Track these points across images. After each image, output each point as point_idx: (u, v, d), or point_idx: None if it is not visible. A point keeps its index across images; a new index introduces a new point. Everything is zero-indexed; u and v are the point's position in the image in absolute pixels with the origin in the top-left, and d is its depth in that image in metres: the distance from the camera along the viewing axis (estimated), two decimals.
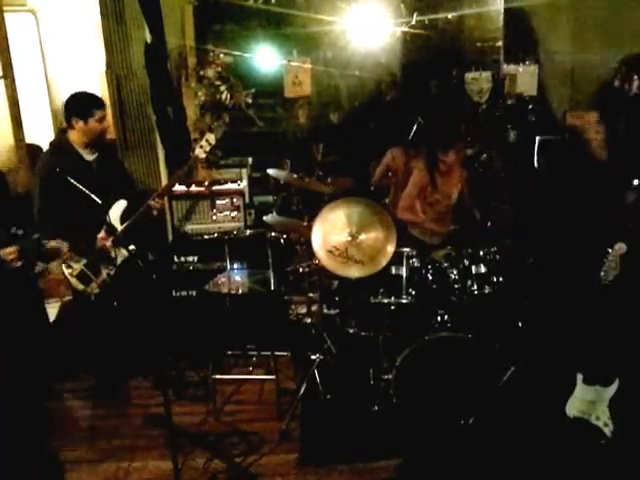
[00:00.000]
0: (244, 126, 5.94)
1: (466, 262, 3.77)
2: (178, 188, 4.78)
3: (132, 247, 3.77)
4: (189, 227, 4.78)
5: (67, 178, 3.45)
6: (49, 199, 3.60)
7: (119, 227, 3.78)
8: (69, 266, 3.73)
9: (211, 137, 3.97)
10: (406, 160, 4.30)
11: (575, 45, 5.48)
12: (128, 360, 4.11)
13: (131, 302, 3.79)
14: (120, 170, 4.18)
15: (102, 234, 3.75)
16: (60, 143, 3.80)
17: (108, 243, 3.74)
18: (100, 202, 3.28)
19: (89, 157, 3.82)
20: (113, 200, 3.81)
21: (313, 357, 3.94)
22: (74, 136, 3.76)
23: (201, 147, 3.96)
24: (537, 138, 5.15)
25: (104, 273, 3.75)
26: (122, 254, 3.79)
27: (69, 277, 3.74)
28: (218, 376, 4.02)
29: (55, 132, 6.79)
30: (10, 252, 3.20)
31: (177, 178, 4.08)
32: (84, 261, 3.73)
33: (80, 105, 3.75)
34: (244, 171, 5.42)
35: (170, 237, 4.89)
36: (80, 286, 3.75)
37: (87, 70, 6.18)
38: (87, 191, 3.23)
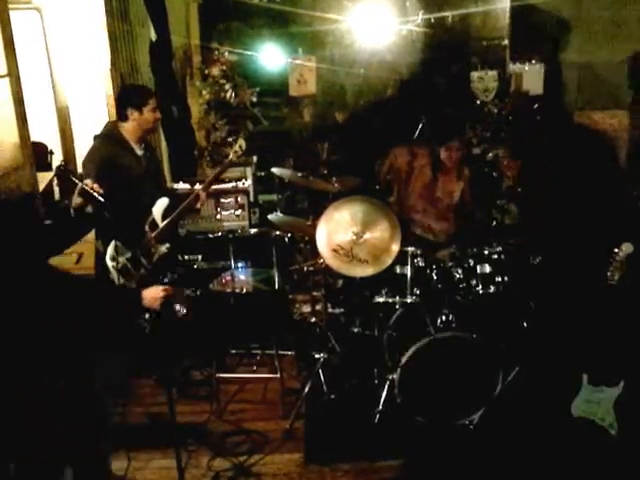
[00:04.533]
0: (249, 125, 5.93)
1: (471, 262, 3.76)
2: (182, 187, 4.77)
3: (167, 245, 3.79)
4: (194, 225, 4.78)
5: (120, 170, 3.43)
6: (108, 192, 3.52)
7: (160, 223, 3.79)
8: (114, 259, 3.72)
9: (243, 143, 4.07)
10: (409, 159, 4.29)
11: (582, 43, 5.46)
12: (135, 358, 4.10)
13: None
14: (160, 168, 4.20)
15: (146, 229, 3.75)
16: (112, 135, 3.79)
17: (151, 239, 3.74)
18: (104, 201, 3.26)
19: (139, 152, 3.83)
20: (156, 197, 3.82)
21: (317, 356, 3.93)
22: (128, 128, 3.76)
23: (235, 152, 4.04)
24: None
25: (142, 269, 3.74)
26: (160, 251, 3.79)
27: (112, 270, 3.72)
28: (222, 375, 4.02)
29: (60, 129, 6.81)
30: None
31: (214, 179, 4.08)
32: (128, 254, 3.72)
33: (134, 95, 3.79)
34: (249, 170, 5.41)
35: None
36: (121, 280, 3.73)
37: (92, 68, 6.19)
38: (89, 189, 3.21)
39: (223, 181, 4.92)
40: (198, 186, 4.79)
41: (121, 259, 3.70)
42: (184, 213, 3.89)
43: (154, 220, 3.78)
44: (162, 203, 3.83)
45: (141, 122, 3.76)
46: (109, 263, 3.71)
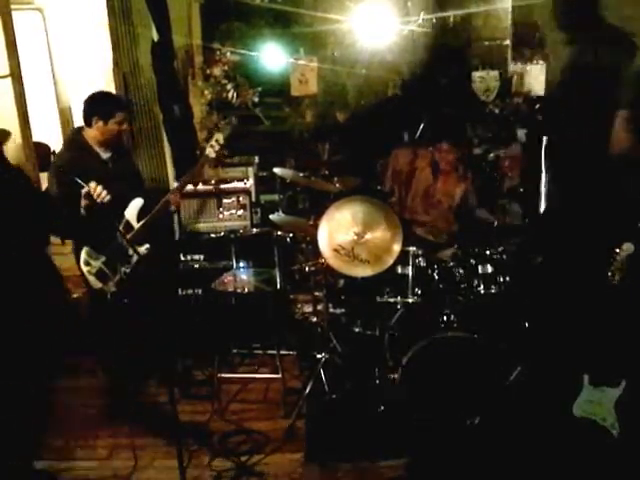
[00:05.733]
0: (250, 125, 5.93)
1: (472, 262, 3.76)
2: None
3: (147, 246, 3.78)
4: (196, 225, 4.78)
5: (83, 174, 3.42)
6: (67, 195, 3.55)
7: (136, 225, 3.78)
8: (88, 263, 3.72)
9: (220, 137, 4.00)
10: (410, 160, 4.30)
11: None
12: (138, 359, 4.11)
13: (143, 301, 3.77)
14: (133, 169, 4.19)
15: (120, 231, 3.73)
16: (76, 141, 3.80)
17: (125, 241, 3.73)
18: (106, 205, 3.28)
19: (105, 155, 3.83)
20: (128, 199, 3.81)
21: (319, 356, 3.94)
22: (91, 135, 3.77)
23: (211, 147, 3.98)
24: (544, 138, 5.13)
25: (121, 271, 3.74)
26: (138, 252, 3.79)
27: (87, 275, 3.73)
28: (224, 375, 4.03)
29: (62, 130, 6.82)
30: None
31: (190, 177, 4.06)
32: (103, 259, 3.72)
33: (102, 105, 3.77)
34: (250, 170, 5.42)
35: (177, 235, 4.90)
36: (98, 284, 3.73)
37: (94, 68, 6.19)
38: (85, 186, 3.23)
39: (225, 181, 4.93)
40: (201, 186, 4.83)
41: (95, 263, 3.71)
42: (159, 215, 3.84)
43: (128, 222, 3.77)
44: (135, 204, 3.81)
45: (104, 132, 3.76)
46: (83, 268, 3.72)
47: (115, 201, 3.60)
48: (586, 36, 5.27)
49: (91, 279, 3.73)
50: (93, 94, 3.80)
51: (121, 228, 3.72)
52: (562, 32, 5.31)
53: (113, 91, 5.18)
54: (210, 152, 3.97)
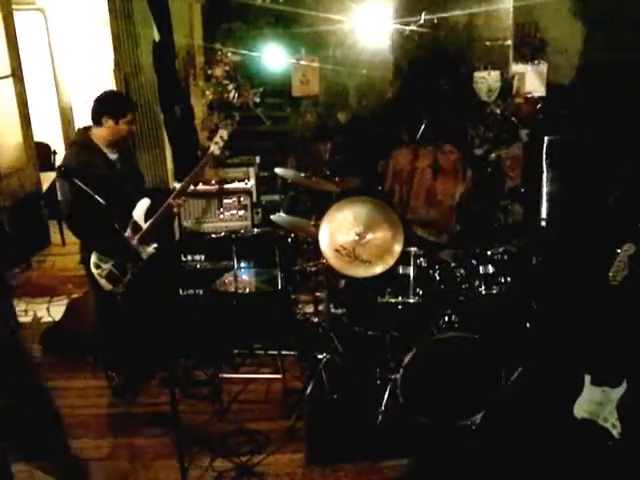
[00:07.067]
0: (252, 125, 5.93)
1: (474, 262, 3.76)
2: None
3: (155, 245, 3.77)
4: (196, 226, 4.78)
5: (93, 176, 3.40)
6: (82, 199, 3.43)
7: (143, 225, 3.78)
8: (98, 266, 3.71)
9: (224, 133, 3.96)
10: (411, 160, 4.31)
11: (585, 44, 5.45)
12: (139, 359, 4.10)
13: (149, 300, 3.76)
14: (137, 170, 4.18)
15: (129, 233, 3.74)
16: (83, 142, 3.76)
17: (134, 242, 3.73)
18: (105, 203, 3.26)
19: (112, 156, 3.81)
20: (134, 200, 3.80)
21: (320, 356, 3.93)
22: (99, 134, 3.73)
23: (216, 143, 3.94)
24: (546, 138, 5.13)
25: (130, 272, 3.72)
26: (146, 252, 3.78)
27: (98, 277, 3.71)
28: (225, 375, 4.03)
29: (63, 130, 6.83)
30: None
31: (195, 176, 4.04)
32: (112, 261, 3.70)
33: (114, 105, 3.74)
34: (251, 170, 5.42)
35: (177, 235, 4.90)
36: (109, 286, 3.71)
37: (95, 69, 6.20)
38: (91, 192, 3.21)
39: (226, 181, 4.93)
40: (202, 186, 4.83)
41: (105, 266, 3.70)
42: (163, 217, 3.82)
43: (136, 222, 3.77)
44: (143, 204, 3.80)
45: (114, 131, 3.71)
46: (94, 271, 3.71)
47: (122, 202, 3.60)
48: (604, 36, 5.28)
49: (102, 282, 3.72)
50: (104, 93, 3.78)
51: (130, 229, 3.73)
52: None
53: None
54: (215, 149, 3.93)
